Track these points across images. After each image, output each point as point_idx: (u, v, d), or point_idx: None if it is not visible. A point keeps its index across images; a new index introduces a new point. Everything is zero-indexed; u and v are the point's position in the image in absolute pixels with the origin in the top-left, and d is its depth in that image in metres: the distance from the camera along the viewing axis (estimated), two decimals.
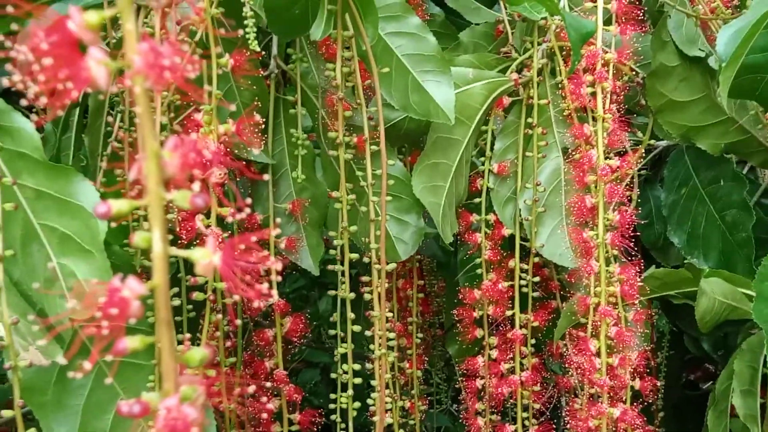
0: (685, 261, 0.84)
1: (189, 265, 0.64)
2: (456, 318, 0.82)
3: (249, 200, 0.67)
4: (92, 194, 0.51)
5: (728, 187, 0.83)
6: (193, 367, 0.28)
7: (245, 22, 0.55)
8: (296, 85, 0.70)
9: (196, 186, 0.26)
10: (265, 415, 0.71)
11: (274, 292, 0.29)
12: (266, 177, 0.72)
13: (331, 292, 0.71)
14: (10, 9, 0.26)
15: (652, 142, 0.87)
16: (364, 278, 0.72)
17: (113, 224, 0.61)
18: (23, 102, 0.29)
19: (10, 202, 0.50)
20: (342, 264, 0.69)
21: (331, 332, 0.71)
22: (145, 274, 0.65)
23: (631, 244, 0.72)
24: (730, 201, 0.83)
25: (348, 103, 0.66)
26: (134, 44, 0.26)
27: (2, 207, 0.49)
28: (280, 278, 0.27)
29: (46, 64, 0.25)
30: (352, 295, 0.68)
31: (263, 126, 0.69)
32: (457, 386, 1.10)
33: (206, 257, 0.27)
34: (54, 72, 0.25)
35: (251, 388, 0.69)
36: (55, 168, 0.51)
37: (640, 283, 0.73)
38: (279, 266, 0.28)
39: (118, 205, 0.27)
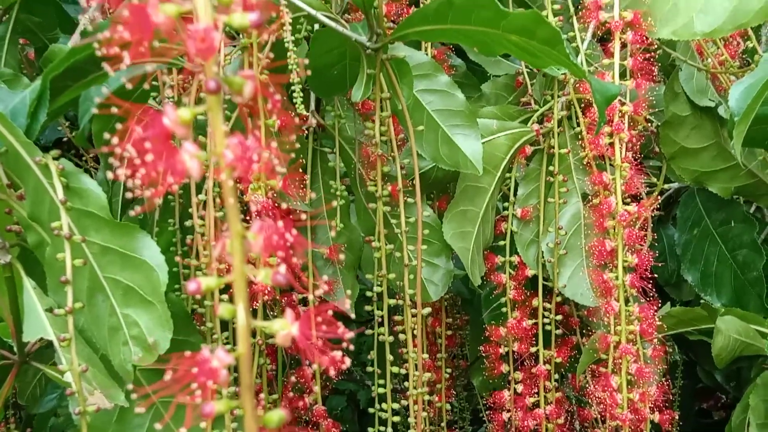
0: (701, 299, 0.85)
1: None
2: (483, 354, 0.82)
3: (325, 277, 0.68)
4: (154, 249, 0.53)
5: (739, 228, 0.84)
6: (272, 428, 0.29)
7: (292, 88, 0.56)
8: (334, 140, 0.72)
9: (282, 269, 0.27)
10: None
11: (347, 360, 0.30)
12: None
13: (369, 332, 0.72)
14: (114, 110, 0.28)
15: (666, 186, 0.88)
16: (397, 317, 0.73)
17: None
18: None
19: (78, 258, 0.52)
20: (381, 309, 0.70)
21: (369, 369, 0.72)
22: (199, 318, 0.66)
23: (649, 285, 0.73)
24: (741, 241, 0.84)
25: (385, 156, 0.68)
26: (223, 139, 0.27)
27: (72, 263, 0.51)
28: (351, 347, 0.29)
29: (145, 158, 0.27)
30: (391, 338, 0.69)
31: (306, 180, 0.71)
32: (475, 409, 1.10)
33: (285, 328, 0.29)
34: (152, 165, 0.27)
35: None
36: (120, 225, 0.52)
37: (659, 322, 0.74)
38: (350, 335, 0.29)
39: (207, 282, 0.28)
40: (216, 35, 0.26)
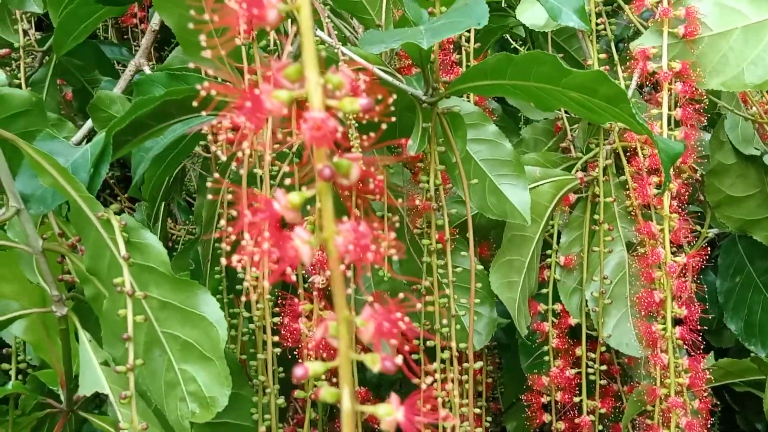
0: (741, 347, 0.84)
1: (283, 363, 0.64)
2: (524, 402, 0.82)
3: (434, 365, 0.68)
4: (213, 305, 0.53)
5: None
6: None
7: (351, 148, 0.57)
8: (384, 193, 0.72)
9: (399, 359, 0.27)
10: None
11: None
12: None
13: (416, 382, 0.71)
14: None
15: (710, 233, 0.88)
16: (436, 365, 0.73)
17: None
18: None
19: (139, 314, 0.52)
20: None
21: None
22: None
23: (699, 337, 0.73)
24: None
25: (436, 209, 0.68)
26: (334, 224, 0.27)
27: (133, 319, 0.51)
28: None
29: (260, 244, 0.27)
30: (444, 393, 0.68)
31: None
32: None
33: (391, 414, 0.28)
34: (264, 250, 0.27)
35: None
36: (180, 281, 0.52)
37: (708, 375, 0.73)
38: (454, 421, 0.29)
39: (314, 368, 0.28)
40: (332, 123, 0.27)
